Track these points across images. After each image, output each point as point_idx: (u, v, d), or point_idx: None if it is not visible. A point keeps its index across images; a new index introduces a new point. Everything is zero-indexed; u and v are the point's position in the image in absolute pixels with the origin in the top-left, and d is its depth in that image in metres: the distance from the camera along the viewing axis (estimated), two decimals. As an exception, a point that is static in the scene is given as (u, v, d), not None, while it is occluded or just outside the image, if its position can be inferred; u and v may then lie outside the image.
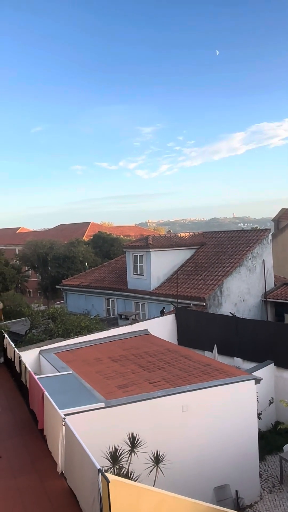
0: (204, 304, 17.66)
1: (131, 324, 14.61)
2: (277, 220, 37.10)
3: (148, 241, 20.59)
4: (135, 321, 15.43)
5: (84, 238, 43.11)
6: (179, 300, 17.87)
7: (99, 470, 4.82)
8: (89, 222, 52.60)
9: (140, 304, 21.05)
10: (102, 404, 7.56)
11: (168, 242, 21.43)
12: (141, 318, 19.73)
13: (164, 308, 16.49)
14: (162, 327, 15.72)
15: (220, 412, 8.65)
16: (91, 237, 38.14)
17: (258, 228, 25.32)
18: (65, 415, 6.35)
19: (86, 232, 48.49)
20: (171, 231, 69.74)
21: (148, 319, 16.32)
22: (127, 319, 16.55)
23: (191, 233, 23.95)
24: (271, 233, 21.64)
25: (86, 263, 29.34)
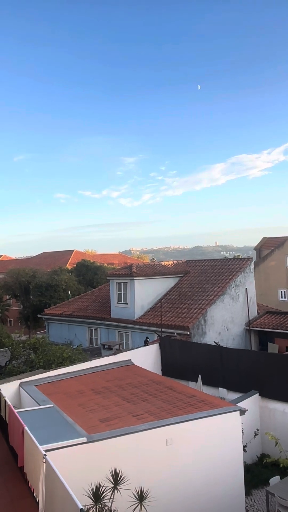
0: (188, 333, 17.67)
1: (114, 354, 14.46)
2: (259, 249, 37.92)
3: (132, 269, 20.72)
4: (119, 351, 15.29)
5: (67, 266, 42.96)
6: (163, 329, 17.84)
7: (81, 510, 4.70)
8: (73, 250, 52.58)
9: (124, 333, 20.90)
10: (84, 439, 7.41)
11: (152, 270, 21.61)
12: (124, 348, 19.53)
13: (147, 338, 16.42)
14: (146, 357, 15.60)
15: (205, 445, 8.56)
16: (75, 265, 38.07)
17: (240, 257, 25.81)
18: (46, 451, 6.19)
19: (70, 260, 48.37)
20: (155, 259, 70.26)
21: (132, 349, 16.20)
22: (110, 349, 16.38)
23: (174, 261, 24.23)
24: (253, 262, 22.10)
25: (69, 292, 29.13)
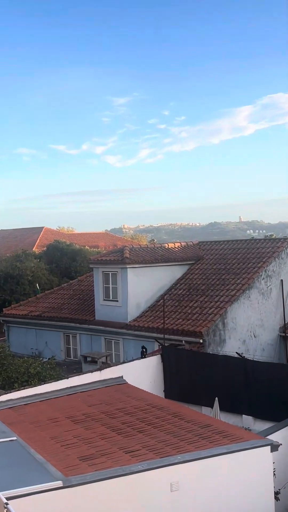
0: (201, 341, 17.82)
1: (100, 369, 14.56)
2: (299, 226, 38.00)
3: (124, 254, 20.75)
4: (106, 365, 15.40)
5: (34, 249, 43.01)
6: (166, 336, 17.97)
7: None
8: (42, 227, 52.55)
9: (113, 341, 21.05)
10: (59, 483, 7.52)
11: (152, 255, 21.64)
12: (114, 361, 19.70)
13: (144, 348, 16.54)
14: (144, 374, 15.73)
15: (224, 492, 8.70)
16: (45, 248, 38.08)
17: (273, 237, 25.87)
18: (8, 499, 6.28)
19: (37, 241, 48.38)
20: (156, 240, 70.46)
21: (124, 362, 16.32)
22: (94, 362, 16.51)
23: (183, 243, 24.28)
24: (291, 244, 22.18)
25: (37, 285, 29.17)
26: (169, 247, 23.35)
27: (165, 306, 19.28)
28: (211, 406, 14.03)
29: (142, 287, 20.85)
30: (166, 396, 15.51)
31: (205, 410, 14.69)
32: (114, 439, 9.34)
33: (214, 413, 13.54)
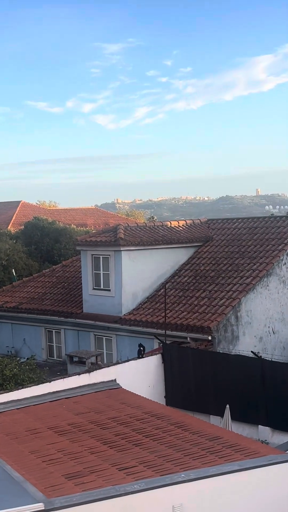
0: (210, 338, 17.89)
1: (89, 371, 14.61)
2: None
3: (118, 234, 20.73)
4: (96, 366, 15.46)
5: (9, 228, 42.94)
6: (168, 332, 18.02)
7: None
8: (18, 202, 52.42)
9: (105, 338, 21.11)
10: (40, 506, 7.58)
11: (151, 236, 21.62)
12: (105, 361, 19.77)
13: (142, 346, 16.59)
14: (141, 377, 15.79)
15: (235, 516, 8.79)
16: (22, 227, 38.00)
17: (297, 214, 25.74)
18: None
19: (13, 218, 48.29)
20: (156, 218, 70.36)
21: (118, 363, 16.37)
22: (82, 363, 16.57)
23: (188, 221, 24.24)
24: None
25: (13, 271, 29.15)
26: (172, 226, 23.30)
27: (166, 297, 19.29)
28: (221, 415, 14.11)
29: (139, 273, 20.85)
30: (167, 403, 15.59)
31: (214, 419, 14.79)
32: (106, 454, 9.41)
33: (224, 423, 13.64)
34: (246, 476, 8.86)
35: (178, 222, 23.92)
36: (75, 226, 39.47)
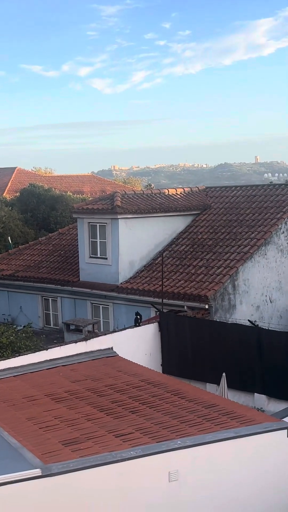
0: (207, 307, 17.97)
1: (85, 339, 14.69)
2: None
3: (115, 202, 20.63)
4: (93, 334, 15.55)
5: (5, 194, 42.67)
6: (165, 301, 18.08)
7: None
8: (14, 168, 51.98)
9: (101, 306, 21.18)
10: (37, 471, 7.66)
11: (149, 203, 21.53)
12: (102, 329, 19.88)
13: (139, 314, 16.65)
14: (138, 345, 15.89)
15: (231, 483, 8.91)
16: (18, 194, 37.76)
17: (296, 183, 25.63)
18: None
19: (9, 184, 47.95)
20: (153, 185, 69.98)
21: (115, 331, 16.46)
22: (79, 331, 16.65)
23: (186, 189, 24.11)
24: None
25: (9, 238, 29.09)
26: (170, 193, 23.18)
27: (164, 265, 19.31)
28: (218, 383, 14.26)
29: (136, 241, 20.81)
30: (164, 371, 15.73)
31: (210, 387, 14.94)
32: (102, 421, 9.48)
33: (220, 391, 13.78)
34: (242, 443, 8.96)
35: (176, 190, 23.79)
36: (71, 194, 39.24)
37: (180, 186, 27.29)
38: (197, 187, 24.84)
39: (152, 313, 18.77)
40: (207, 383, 15.34)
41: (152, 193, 23.02)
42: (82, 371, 12.47)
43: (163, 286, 18.46)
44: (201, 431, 8.94)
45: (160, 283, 18.66)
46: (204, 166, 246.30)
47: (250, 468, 9.03)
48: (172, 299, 18.50)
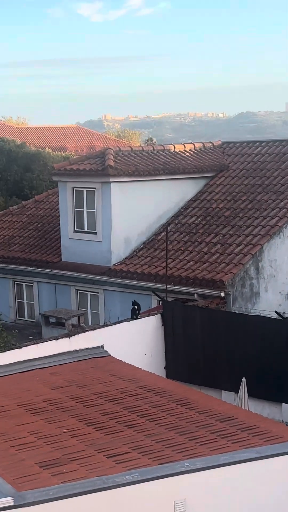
0: (223, 295, 18.00)
1: (69, 335, 14.73)
2: None
3: (107, 161, 20.57)
4: (79, 329, 15.60)
5: None
6: (170, 287, 18.12)
7: None
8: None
9: (89, 294, 21.24)
10: (8, 500, 7.67)
11: (150, 163, 21.48)
12: (90, 323, 19.94)
13: (136, 304, 16.69)
14: (135, 343, 15.94)
15: (251, 513, 8.97)
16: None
17: None
18: None
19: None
20: (155, 140, 69.64)
21: (106, 325, 16.49)
22: (61, 325, 16.69)
23: (197, 145, 24.03)
24: None
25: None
26: (177, 150, 23.10)
27: (169, 242, 19.31)
28: (236, 390, 14.33)
29: (133, 212, 20.79)
30: (168, 376, 15.80)
31: (227, 396, 15.01)
32: (91, 437, 9.53)
33: (240, 401, 13.85)
34: (266, 465, 9.00)
35: (185, 146, 23.70)
36: (50, 150, 39.11)
37: (190, 141, 27.23)
38: (212, 143, 24.73)
39: (154, 302, 18.81)
40: (223, 391, 15.42)
41: (154, 150, 22.94)
42: (64, 375, 12.50)
43: (168, 269, 18.47)
44: (214, 451, 8.98)
45: (164, 264, 18.68)
46: (221, 115, 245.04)
47: (275, 496, 9.10)
48: (179, 285, 18.53)
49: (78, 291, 21.41)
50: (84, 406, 10.83)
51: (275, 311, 16.64)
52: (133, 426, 9.91)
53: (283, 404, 14.87)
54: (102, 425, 9.95)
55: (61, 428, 9.87)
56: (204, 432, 9.62)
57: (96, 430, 9.75)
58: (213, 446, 9.14)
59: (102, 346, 14.01)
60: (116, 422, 10.08)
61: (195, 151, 23.49)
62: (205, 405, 10.84)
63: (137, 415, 10.33)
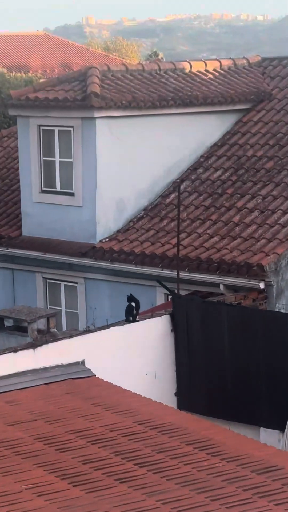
0: (263, 286, 18.04)
1: (34, 346, 14.77)
2: None
3: (90, 86, 20.52)
4: (48, 337, 15.64)
5: None
6: (183, 275, 18.17)
7: None
8: None
9: (63, 285, 21.30)
10: None
11: (153, 90, 21.41)
12: (65, 327, 19.98)
13: (134, 301, 16.72)
14: (131, 357, 15.99)
15: None
16: None
17: None
18: None
19: None
20: (162, 55, 69.65)
21: (89, 330, 16.53)
22: (21, 329, 16.78)
23: (224, 63, 23.94)
24: None
25: None
26: (194, 71, 23.07)
27: (182, 208, 19.31)
28: (281, 428, 14.42)
29: (129, 163, 20.82)
30: (180, 406, 15.88)
31: (268, 435, 15.08)
32: (66, 497, 9.60)
33: (285, 442, 13.90)
34: None
35: (206, 64, 23.66)
36: (5, 70, 39.09)
37: (214, 56, 27.20)
38: (247, 59, 24.69)
39: (160, 297, 18.87)
40: (262, 428, 15.49)
41: (160, 69, 22.90)
42: (27, 405, 12.57)
43: (181, 247, 18.49)
44: (248, 516, 9.05)
45: (174, 241, 18.69)
46: (260, 19, 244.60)
47: None
48: (197, 271, 18.61)
49: (47, 280, 21.47)
50: (56, 450, 10.88)
51: None
52: (128, 480, 9.93)
53: None
54: (83, 479, 9.98)
55: (22, 482, 9.92)
56: (234, 489, 9.64)
57: (74, 486, 9.79)
58: (247, 509, 9.18)
59: (83, 362, 14.07)
60: (103, 474, 10.12)
61: (222, 72, 23.44)
62: (236, 450, 10.89)
63: (135, 464, 10.36)
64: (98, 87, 20.43)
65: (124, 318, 16.46)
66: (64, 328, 20.05)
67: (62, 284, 21.29)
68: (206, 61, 24.11)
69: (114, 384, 13.57)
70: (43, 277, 21.50)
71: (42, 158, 21.34)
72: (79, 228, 20.79)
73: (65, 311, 21.09)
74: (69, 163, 20.92)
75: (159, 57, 58.51)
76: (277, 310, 17.71)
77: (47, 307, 20.76)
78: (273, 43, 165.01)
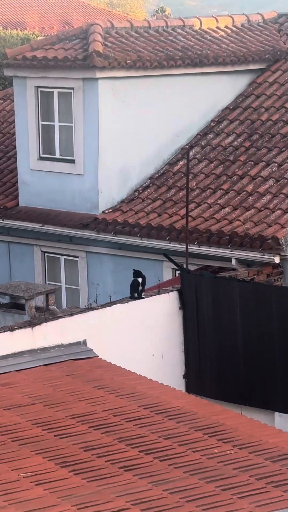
0: (278, 260, 18.02)
1: (32, 324, 14.79)
2: None
3: (92, 44, 20.46)
4: (47, 315, 15.66)
5: None
6: (193, 248, 18.18)
7: None
8: None
9: (63, 259, 21.31)
10: None
11: (159, 49, 21.37)
12: (65, 305, 19.99)
13: (139, 277, 16.72)
14: (137, 336, 16.01)
15: None
16: None
17: None
18: None
19: None
20: (170, 12, 69.35)
21: (91, 308, 16.53)
22: (18, 307, 16.79)
23: (237, 19, 23.86)
24: None
25: None
26: (205, 28, 22.99)
27: (191, 176, 19.28)
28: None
29: (134, 127, 20.78)
30: (189, 389, 15.92)
31: (283, 420, 15.13)
32: (67, 486, 9.61)
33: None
34: None
35: (217, 21, 23.58)
36: (1, 28, 38.97)
37: (226, 12, 27.11)
38: (261, 15, 24.59)
39: (167, 272, 18.87)
40: (276, 413, 15.52)
41: (167, 26, 22.83)
42: (25, 388, 12.59)
43: (190, 219, 18.48)
44: (262, 507, 9.05)
45: (183, 212, 18.67)
46: None
47: None
48: (207, 244, 18.61)
49: (46, 254, 21.49)
50: (56, 436, 10.90)
51: None
52: (133, 467, 9.94)
53: None
54: (85, 467, 10.00)
55: (20, 470, 9.94)
56: (247, 478, 9.65)
57: (75, 474, 9.80)
58: (261, 499, 9.18)
59: (84, 342, 14.09)
60: (106, 461, 10.14)
61: (234, 29, 23.37)
62: (248, 436, 10.90)
63: (140, 451, 10.38)
64: (101, 46, 20.38)
65: (129, 295, 16.48)
66: (64, 305, 20.06)
67: (62, 258, 21.29)
68: (217, 17, 24.03)
69: (117, 365, 13.58)
70: (41, 251, 21.50)
71: (40, 122, 21.30)
72: (80, 198, 20.78)
73: (65, 287, 21.11)
74: (69, 127, 20.89)
75: (166, 12, 58.28)
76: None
77: (46, 283, 20.77)
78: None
